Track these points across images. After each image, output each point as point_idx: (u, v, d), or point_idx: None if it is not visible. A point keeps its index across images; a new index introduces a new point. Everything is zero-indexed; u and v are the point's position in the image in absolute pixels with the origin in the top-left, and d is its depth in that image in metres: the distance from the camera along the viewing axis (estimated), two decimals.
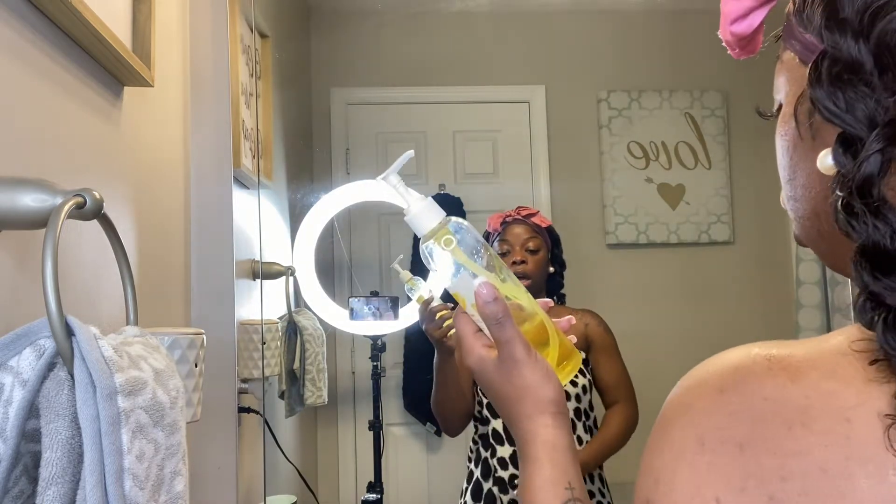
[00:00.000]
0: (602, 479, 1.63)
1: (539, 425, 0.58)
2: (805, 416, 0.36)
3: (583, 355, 1.64)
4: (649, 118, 2.56)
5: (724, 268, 2.50)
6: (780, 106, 0.49)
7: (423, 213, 0.63)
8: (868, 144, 0.37)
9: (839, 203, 0.38)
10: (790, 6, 0.46)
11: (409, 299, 2.02)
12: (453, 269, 0.62)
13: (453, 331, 1.41)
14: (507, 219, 1.72)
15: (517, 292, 0.64)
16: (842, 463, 0.35)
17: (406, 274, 1.67)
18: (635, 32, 2.51)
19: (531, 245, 1.68)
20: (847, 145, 0.38)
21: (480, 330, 0.62)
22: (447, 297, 1.35)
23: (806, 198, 0.46)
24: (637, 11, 2.56)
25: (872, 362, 0.37)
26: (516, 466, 1.59)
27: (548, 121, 2.53)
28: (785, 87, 0.48)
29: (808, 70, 0.43)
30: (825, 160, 0.40)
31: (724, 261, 2.52)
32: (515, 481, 1.59)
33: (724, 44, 0.51)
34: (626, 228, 2.53)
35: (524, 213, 1.72)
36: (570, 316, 0.69)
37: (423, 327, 1.56)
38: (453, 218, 0.64)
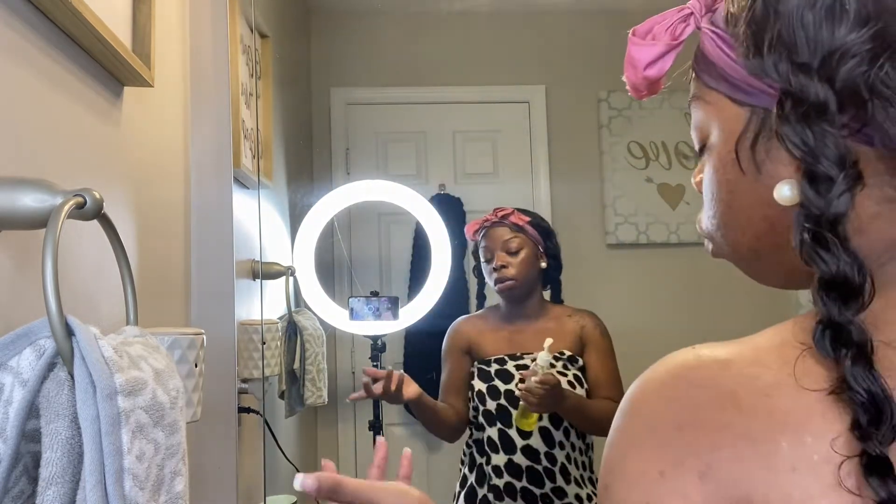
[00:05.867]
0: (594, 483, 1.63)
1: None
2: (734, 397, 0.42)
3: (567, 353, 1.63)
4: (649, 118, 2.55)
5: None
6: (705, 142, 0.52)
7: None
8: (838, 184, 0.41)
9: (806, 235, 0.42)
10: (709, 50, 0.49)
11: (409, 300, 2.02)
12: None
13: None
14: (485, 224, 1.69)
15: None
16: (765, 432, 0.40)
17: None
18: None
19: (512, 246, 1.65)
20: (813, 181, 0.42)
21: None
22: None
23: (747, 224, 0.50)
24: (637, 11, 2.53)
25: (830, 392, 0.40)
26: (511, 475, 1.58)
27: (548, 121, 2.53)
28: (716, 125, 0.50)
29: (746, 110, 0.47)
30: (782, 192, 0.44)
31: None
32: (511, 489, 1.59)
33: (628, 87, 0.54)
34: (626, 228, 2.53)
35: (500, 214, 1.68)
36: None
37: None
38: None
